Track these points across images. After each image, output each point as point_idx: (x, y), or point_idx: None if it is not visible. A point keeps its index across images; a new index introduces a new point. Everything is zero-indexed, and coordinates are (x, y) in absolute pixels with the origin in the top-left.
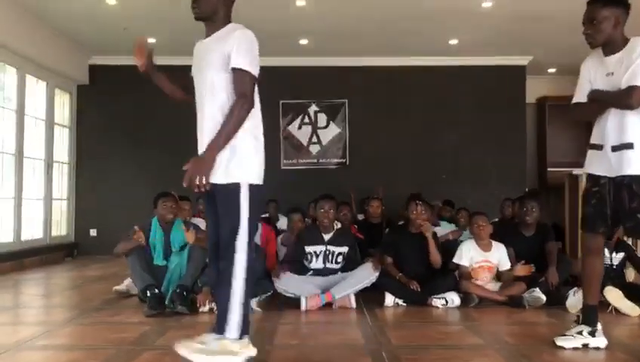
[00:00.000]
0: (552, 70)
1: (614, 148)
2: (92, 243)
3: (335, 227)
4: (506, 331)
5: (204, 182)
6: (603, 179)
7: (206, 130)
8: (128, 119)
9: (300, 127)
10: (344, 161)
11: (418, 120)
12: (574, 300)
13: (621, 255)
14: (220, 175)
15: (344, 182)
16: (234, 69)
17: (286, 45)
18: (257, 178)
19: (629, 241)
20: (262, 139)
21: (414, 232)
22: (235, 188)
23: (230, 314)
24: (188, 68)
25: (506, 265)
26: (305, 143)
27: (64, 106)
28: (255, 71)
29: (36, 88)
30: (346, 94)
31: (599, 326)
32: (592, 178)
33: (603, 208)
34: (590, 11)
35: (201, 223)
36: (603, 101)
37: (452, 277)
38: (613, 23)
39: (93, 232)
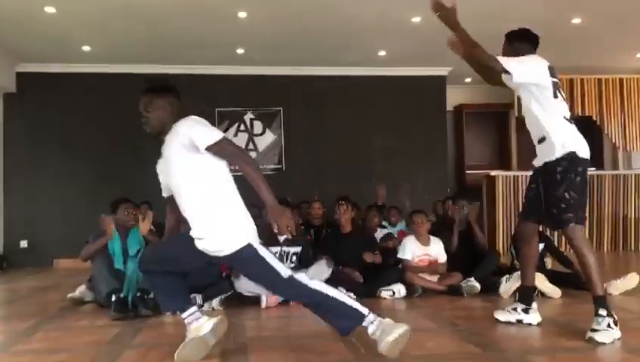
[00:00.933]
0: (468, 80)
1: (537, 142)
2: (23, 255)
3: None
4: (453, 315)
5: (292, 224)
6: (536, 170)
7: (199, 216)
8: (59, 127)
9: (236, 135)
10: (280, 166)
11: (350, 127)
12: (506, 286)
13: (541, 245)
14: (226, 246)
15: (280, 186)
16: (208, 149)
17: (223, 54)
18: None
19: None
20: (238, 203)
21: (344, 233)
22: (248, 249)
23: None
24: (122, 76)
25: (443, 258)
26: None
27: None
28: (220, 135)
29: None
30: (281, 102)
31: (534, 305)
32: (533, 171)
33: (536, 200)
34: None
35: None
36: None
37: (397, 270)
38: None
39: (23, 244)
